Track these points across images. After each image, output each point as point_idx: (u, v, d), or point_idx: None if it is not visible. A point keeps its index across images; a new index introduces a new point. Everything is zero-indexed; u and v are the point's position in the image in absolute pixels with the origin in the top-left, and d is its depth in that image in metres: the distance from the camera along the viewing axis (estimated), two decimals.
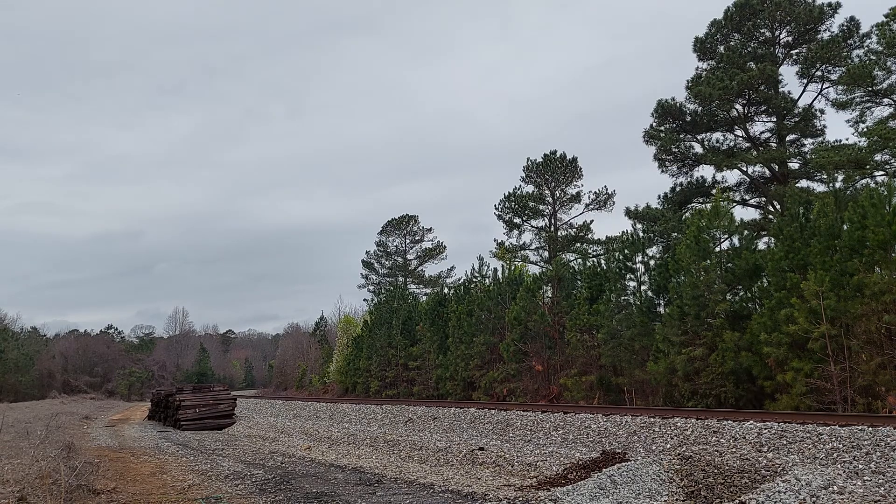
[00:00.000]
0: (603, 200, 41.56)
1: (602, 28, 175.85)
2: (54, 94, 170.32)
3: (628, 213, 32.29)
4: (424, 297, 45.72)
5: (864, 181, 23.26)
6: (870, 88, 25.25)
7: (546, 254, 41.61)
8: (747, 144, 31.78)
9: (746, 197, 32.57)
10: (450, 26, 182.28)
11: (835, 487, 8.43)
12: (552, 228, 41.93)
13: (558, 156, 41.06)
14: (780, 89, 30.28)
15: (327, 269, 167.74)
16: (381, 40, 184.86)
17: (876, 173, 23.85)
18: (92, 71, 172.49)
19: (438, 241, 65.98)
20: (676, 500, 9.23)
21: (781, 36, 30.96)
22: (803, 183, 29.74)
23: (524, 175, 41.82)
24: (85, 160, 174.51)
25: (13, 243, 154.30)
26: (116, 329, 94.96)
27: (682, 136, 32.20)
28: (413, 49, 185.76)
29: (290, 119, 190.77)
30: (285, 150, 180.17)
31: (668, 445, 12.66)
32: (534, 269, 36.27)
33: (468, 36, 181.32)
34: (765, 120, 31.64)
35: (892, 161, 23.78)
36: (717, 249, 20.52)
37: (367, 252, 67.83)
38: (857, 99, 25.93)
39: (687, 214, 28.82)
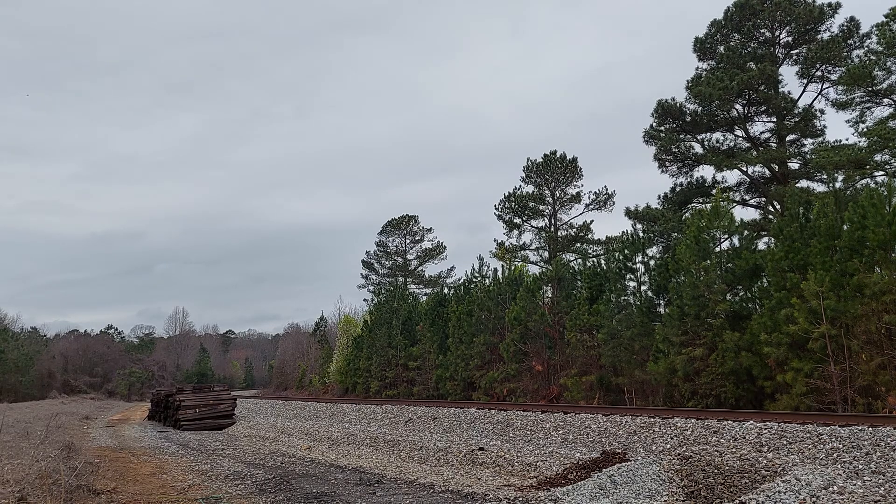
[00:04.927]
0: (603, 200, 41.58)
1: (612, 27, 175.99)
2: (61, 93, 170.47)
3: (628, 213, 32.33)
4: (424, 298, 45.75)
5: (864, 181, 23.25)
6: (870, 88, 25.25)
7: (546, 254, 41.61)
8: (747, 144, 31.79)
9: (746, 197, 32.58)
10: (459, 25, 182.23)
11: (835, 487, 8.43)
12: (552, 228, 41.94)
13: (558, 156, 41.08)
14: (780, 89, 30.28)
15: (328, 269, 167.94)
16: (391, 39, 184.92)
17: (876, 173, 23.86)
18: (99, 69, 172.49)
19: (438, 242, 66.07)
20: (676, 500, 9.23)
21: (781, 36, 30.96)
22: (803, 183, 29.74)
23: (524, 175, 41.86)
24: (90, 159, 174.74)
25: (15, 243, 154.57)
26: (116, 329, 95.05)
27: (682, 136, 32.20)
28: (422, 48, 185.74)
29: (298, 118, 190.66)
30: (291, 149, 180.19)
31: (668, 445, 12.66)
32: (534, 269, 36.31)
33: (477, 35, 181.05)
34: (765, 120, 31.65)
35: (892, 161, 23.78)
36: (717, 249, 20.53)
37: (367, 252, 67.94)
38: (857, 99, 25.94)
39: (687, 214, 28.81)
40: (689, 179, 32.68)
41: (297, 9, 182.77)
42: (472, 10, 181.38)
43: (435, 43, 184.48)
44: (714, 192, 25.26)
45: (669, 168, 32.87)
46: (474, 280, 34.45)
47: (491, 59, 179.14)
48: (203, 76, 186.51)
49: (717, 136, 32.35)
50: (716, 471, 9.70)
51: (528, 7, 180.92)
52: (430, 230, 66.40)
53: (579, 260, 35.49)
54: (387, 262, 67.31)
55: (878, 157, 23.95)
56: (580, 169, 41.40)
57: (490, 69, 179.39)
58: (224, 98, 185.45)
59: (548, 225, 42.20)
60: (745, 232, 21.12)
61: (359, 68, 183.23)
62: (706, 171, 32.41)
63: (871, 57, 25.13)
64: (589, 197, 41.77)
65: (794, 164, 30.73)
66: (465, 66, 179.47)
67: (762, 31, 30.90)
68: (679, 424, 13.43)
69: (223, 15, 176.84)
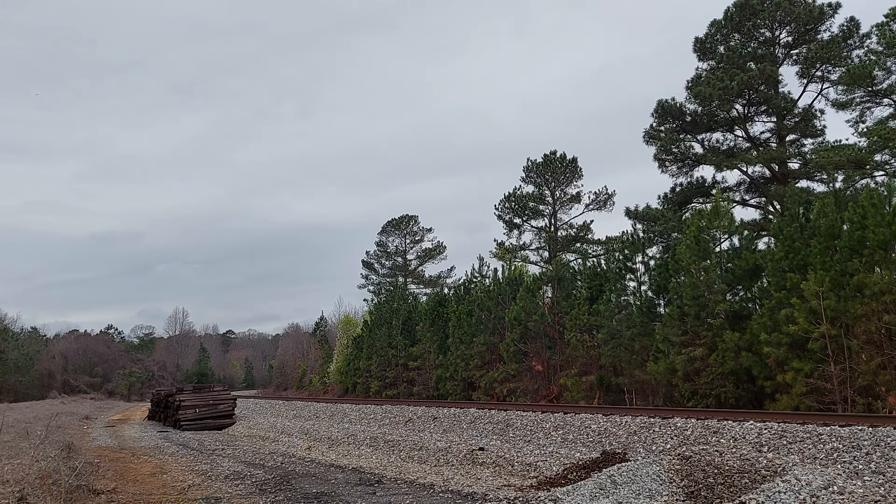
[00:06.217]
0: (603, 200, 41.57)
1: (615, 27, 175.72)
2: (64, 93, 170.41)
3: (628, 213, 32.32)
4: (424, 298, 45.72)
5: (864, 181, 23.28)
6: (870, 88, 25.26)
7: (546, 254, 41.61)
8: (747, 144, 31.79)
9: (746, 197, 32.58)
10: (463, 25, 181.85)
11: (835, 487, 8.43)
12: (552, 228, 41.93)
13: (558, 156, 41.07)
14: (780, 89, 30.28)
15: (328, 270, 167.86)
16: (394, 39, 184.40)
17: (876, 173, 23.86)
18: (101, 69, 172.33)
19: (438, 242, 66.08)
20: (676, 500, 9.23)
21: (781, 36, 30.97)
22: (803, 183, 29.75)
23: (524, 175, 41.86)
24: (93, 159, 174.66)
25: (16, 243, 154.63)
26: (116, 329, 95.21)
27: (682, 136, 32.21)
28: (425, 47, 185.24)
29: (301, 118, 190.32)
30: (293, 149, 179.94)
31: (668, 445, 12.66)
32: (534, 269, 36.31)
33: (481, 35, 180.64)
34: (765, 120, 31.66)
35: (892, 161, 23.78)
36: (717, 249, 20.52)
37: (367, 252, 67.93)
38: (857, 99, 25.95)
39: (687, 214, 28.83)
40: (689, 179, 32.71)
41: (300, 8, 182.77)
42: (475, 9, 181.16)
43: (438, 42, 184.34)
44: (714, 192, 25.23)
45: (669, 168, 32.88)
46: (474, 280, 34.44)
47: (494, 59, 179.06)
48: (205, 76, 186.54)
49: (717, 136, 32.39)
50: (716, 471, 9.71)
51: (532, 7, 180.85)
52: (430, 230, 66.49)
53: (579, 260, 35.50)
54: (387, 262, 67.32)
55: (878, 157, 23.96)
56: (580, 169, 41.42)
57: (493, 69, 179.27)
58: (226, 98, 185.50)
59: (548, 225, 42.20)
60: (745, 232, 21.11)
61: (362, 68, 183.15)
62: (706, 171, 32.46)
63: (871, 57, 25.15)
64: (589, 197, 41.80)
65: (794, 164, 30.74)
66: (468, 65, 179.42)
67: (762, 31, 30.90)
68: (679, 424, 13.43)
69: (226, 14, 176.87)
